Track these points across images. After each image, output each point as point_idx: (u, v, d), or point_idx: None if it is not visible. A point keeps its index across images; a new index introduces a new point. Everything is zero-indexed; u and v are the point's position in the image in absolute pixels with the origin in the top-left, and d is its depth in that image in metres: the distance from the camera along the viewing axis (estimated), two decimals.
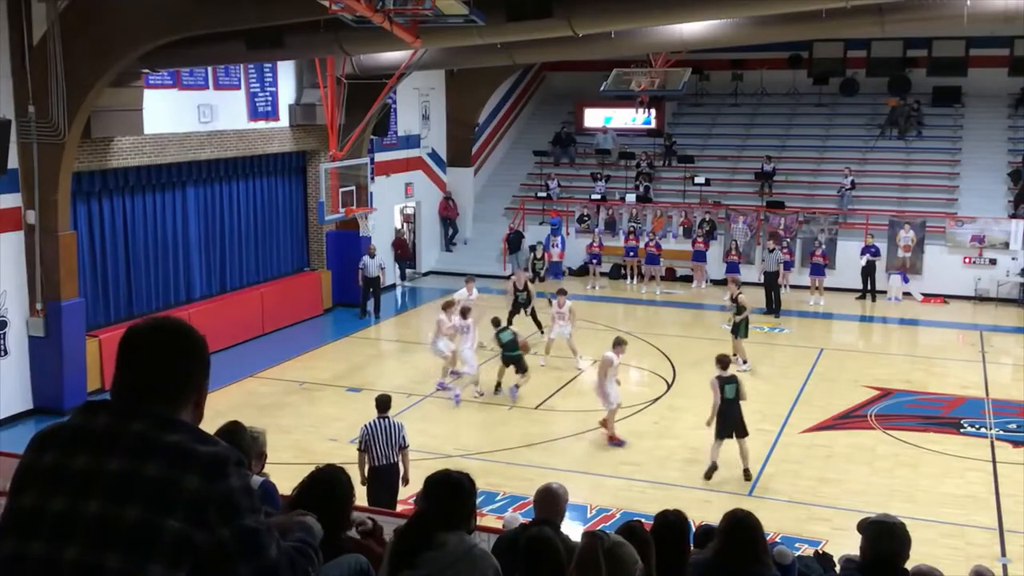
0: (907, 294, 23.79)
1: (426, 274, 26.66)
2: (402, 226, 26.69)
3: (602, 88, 23.04)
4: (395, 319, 23.07)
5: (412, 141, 25.96)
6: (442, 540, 3.93)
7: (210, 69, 18.37)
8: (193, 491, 2.10)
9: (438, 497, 4.11)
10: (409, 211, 26.90)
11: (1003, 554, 10.56)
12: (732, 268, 24.13)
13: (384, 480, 10.20)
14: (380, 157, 24.00)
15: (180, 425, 2.22)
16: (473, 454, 13.23)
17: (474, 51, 18.39)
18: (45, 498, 2.13)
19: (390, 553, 3.98)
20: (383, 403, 10.64)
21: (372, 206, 21.33)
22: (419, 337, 21.53)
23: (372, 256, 21.40)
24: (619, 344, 14.09)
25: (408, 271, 26.14)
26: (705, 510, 11.26)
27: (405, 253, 25.96)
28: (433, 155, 27.14)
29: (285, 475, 10.34)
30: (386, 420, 10.44)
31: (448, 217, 27.64)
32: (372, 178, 22.53)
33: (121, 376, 2.30)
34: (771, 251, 22.40)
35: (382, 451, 10.29)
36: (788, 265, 23.77)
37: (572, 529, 7.19)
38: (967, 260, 23.79)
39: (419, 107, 26.21)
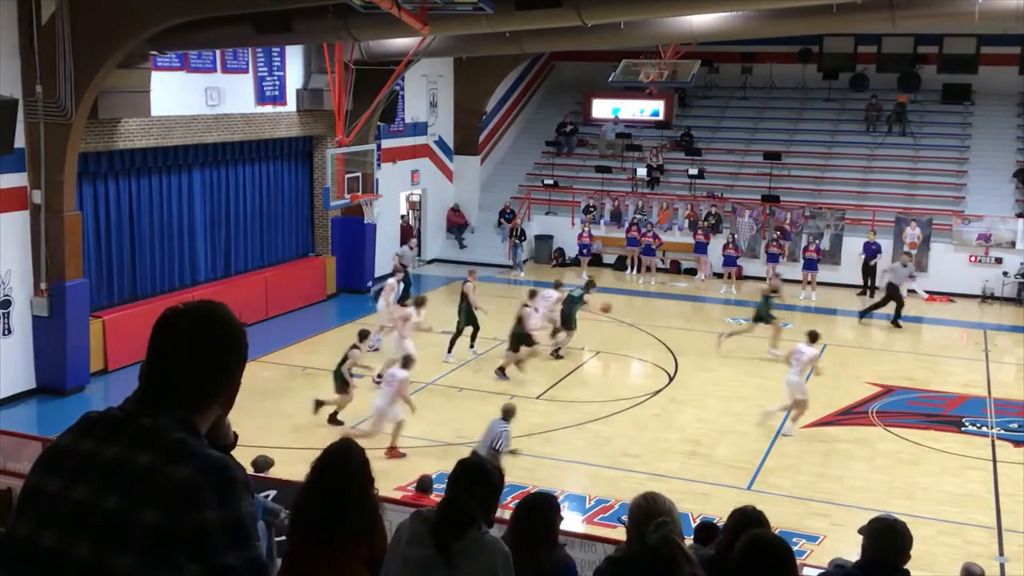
0: (912, 291, 23.74)
1: (430, 261, 26.66)
2: (407, 213, 26.70)
3: (610, 79, 22.99)
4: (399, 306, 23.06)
5: (419, 128, 25.94)
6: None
7: (218, 52, 18.35)
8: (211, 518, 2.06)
9: (468, 484, 4.12)
10: (414, 199, 26.91)
11: (1000, 553, 10.56)
12: (729, 261, 24.16)
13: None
14: (387, 144, 23.98)
15: (197, 435, 2.17)
16: (474, 442, 13.22)
17: (483, 39, 18.36)
18: (68, 485, 2.10)
19: (428, 535, 3.99)
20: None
21: (378, 192, 21.32)
22: (421, 325, 21.54)
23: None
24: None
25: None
26: (703, 503, 11.31)
27: (409, 240, 25.94)
28: (440, 143, 27.12)
29: (285, 459, 10.41)
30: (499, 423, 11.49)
31: (456, 224, 27.55)
32: (378, 165, 22.53)
33: (153, 366, 2.20)
34: (904, 265, 21.46)
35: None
36: (812, 264, 23.61)
37: (571, 520, 7.19)
38: (973, 259, 23.74)
39: (427, 94, 26.18)
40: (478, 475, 4.15)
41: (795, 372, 14.21)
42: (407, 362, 13.27)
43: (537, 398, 15.55)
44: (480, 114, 27.94)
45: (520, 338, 15.61)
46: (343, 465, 4.26)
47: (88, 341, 15.54)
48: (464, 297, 17.53)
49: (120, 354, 16.03)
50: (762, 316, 18.29)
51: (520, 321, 15.78)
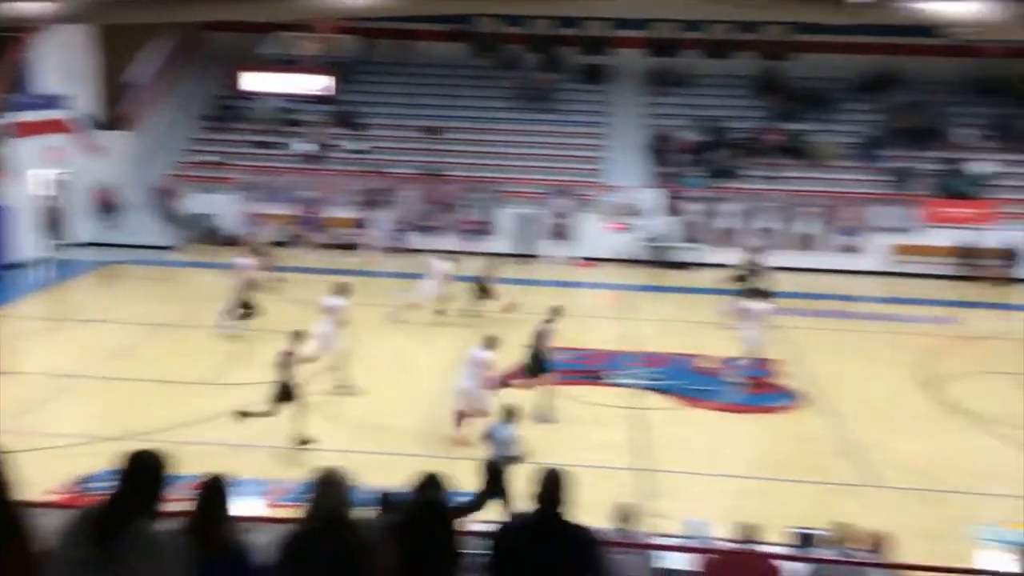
0: (560, 258, 25.49)
1: (83, 245, 24.69)
2: (48, 192, 24.55)
3: (262, 51, 22.49)
4: (45, 294, 21.23)
5: (58, 101, 23.85)
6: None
7: None
8: None
9: (128, 478, 3.95)
10: (57, 178, 24.76)
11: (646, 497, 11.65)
12: (394, 236, 24.68)
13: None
14: (19, 118, 21.82)
15: None
16: (140, 435, 12.52)
17: (123, 6, 17.24)
18: None
19: (76, 534, 3.78)
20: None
21: (9, 171, 19.42)
22: (70, 314, 20.10)
23: None
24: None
25: (55, 243, 24.03)
26: (391, 473, 11.46)
27: (53, 223, 23.85)
28: (84, 117, 25.12)
29: None
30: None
31: (106, 204, 25.59)
32: (10, 140, 20.51)
33: None
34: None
35: None
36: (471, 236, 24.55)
37: (249, 504, 7.03)
38: (612, 226, 25.89)
39: (65, 64, 24.11)
40: (138, 467, 4.02)
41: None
42: None
43: (199, 383, 15.00)
44: (127, 86, 26.22)
45: None
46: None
47: None
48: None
49: None
50: None
51: None
